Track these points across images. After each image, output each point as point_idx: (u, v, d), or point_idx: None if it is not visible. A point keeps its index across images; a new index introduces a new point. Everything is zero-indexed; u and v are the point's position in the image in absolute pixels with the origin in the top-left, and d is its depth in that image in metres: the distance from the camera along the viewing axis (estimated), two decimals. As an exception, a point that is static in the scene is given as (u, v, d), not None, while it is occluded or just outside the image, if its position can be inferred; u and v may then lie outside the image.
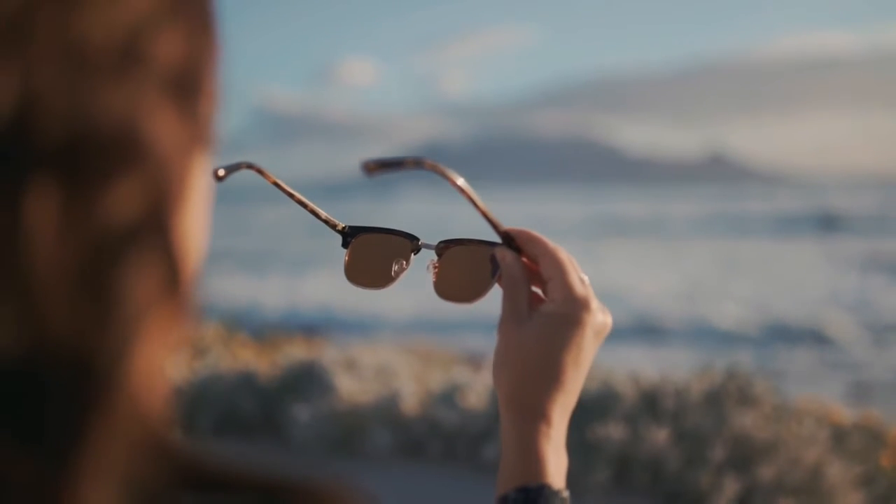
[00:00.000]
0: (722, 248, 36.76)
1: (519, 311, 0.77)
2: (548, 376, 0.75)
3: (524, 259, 0.81)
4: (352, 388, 5.40)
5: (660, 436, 4.76)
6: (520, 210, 72.44)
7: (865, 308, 18.65)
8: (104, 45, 0.34)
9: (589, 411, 5.07)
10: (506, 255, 0.80)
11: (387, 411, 5.28)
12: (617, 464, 4.83)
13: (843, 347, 13.90)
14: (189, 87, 0.38)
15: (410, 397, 5.33)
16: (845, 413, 5.85)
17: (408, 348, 7.37)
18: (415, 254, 0.86)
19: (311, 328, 12.43)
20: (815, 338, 14.64)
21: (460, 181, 0.72)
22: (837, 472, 4.64)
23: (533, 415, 0.75)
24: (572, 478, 4.78)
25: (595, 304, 0.77)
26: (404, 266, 0.84)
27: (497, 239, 0.82)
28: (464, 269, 0.84)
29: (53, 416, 0.32)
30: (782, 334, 15.15)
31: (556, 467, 0.74)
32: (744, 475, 4.61)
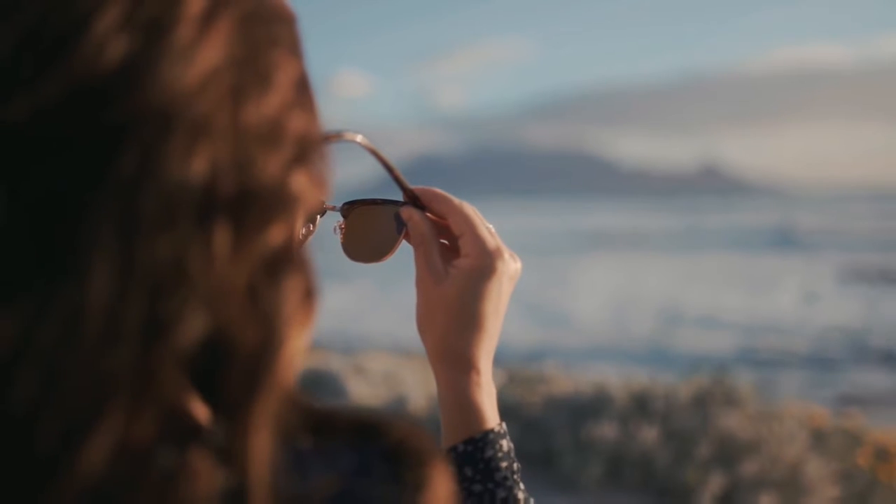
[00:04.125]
0: (714, 261, 36.80)
1: (435, 268, 0.80)
2: (472, 327, 0.78)
3: (429, 214, 0.82)
4: (362, 392, 5.72)
5: (650, 435, 5.05)
6: (514, 222, 72.02)
7: (857, 322, 18.71)
8: (258, 127, 0.45)
9: (583, 412, 5.37)
10: (412, 214, 0.81)
11: (395, 413, 5.58)
12: (610, 461, 5.11)
13: (834, 364, 13.71)
14: (311, 149, 0.49)
15: (417, 400, 5.65)
16: (827, 416, 6.03)
17: (409, 356, 7.69)
18: (320, 216, 0.83)
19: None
20: (804, 354, 14.46)
21: (359, 138, 0.73)
22: (816, 469, 4.91)
23: (463, 366, 0.78)
24: (568, 475, 5.06)
25: (507, 253, 0.81)
26: (311, 229, 0.81)
27: (401, 197, 0.83)
28: (370, 228, 0.84)
29: (231, 383, 0.44)
30: (772, 353, 14.98)
31: (490, 409, 0.79)
32: (728, 471, 4.90)
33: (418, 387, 5.86)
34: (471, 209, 0.81)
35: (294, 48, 0.50)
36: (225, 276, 0.43)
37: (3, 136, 0.40)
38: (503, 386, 6.22)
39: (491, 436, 0.76)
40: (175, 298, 0.42)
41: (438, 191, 0.82)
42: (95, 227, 0.40)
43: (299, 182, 0.47)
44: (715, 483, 4.81)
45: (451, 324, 0.78)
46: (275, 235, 0.45)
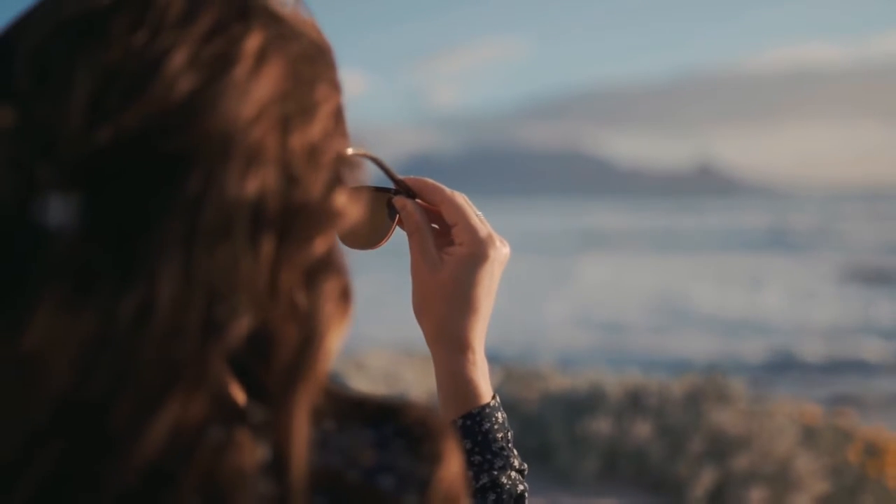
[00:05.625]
0: (709, 261, 36.79)
1: (430, 257, 0.84)
2: (467, 310, 0.83)
3: (419, 201, 0.85)
4: (363, 388, 5.83)
5: (644, 430, 5.17)
6: (510, 221, 71.95)
7: (852, 323, 18.67)
8: (303, 152, 0.50)
9: (579, 408, 5.48)
10: (406, 203, 0.84)
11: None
12: (605, 456, 5.23)
13: (829, 364, 13.48)
14: (348, 168, 0.55)
15: (417, 397, 5.76)
16: (819, 414, 6.10)
17: (410, 353, 7.81)
18: None
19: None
20: (799, 355, 14.27)
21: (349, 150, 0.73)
22: (805, 463, 5.01)
23: (460, 347, 0.83)
24: (564, 469, 5.17)
25: (497, 239, 0.84)
26: None
27: (392, 186, 0.85)
28: (364, 215, 0.95)
29: (275, 374, 0.49)
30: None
31: (485, 385, 0.84)
32: (720, 465, 5.01)
33: (418, 384, 5.98)
34: (461, 198, 0.84)
35: (333, 82, 0.55)
36: (272, 281, 0.48)
37: (90, 156, 0.46)
38: (501, 383, 6.34)
39: (487, 409, 0.82)
40: (229, 301, 0.47)
41: (430, 181, 0.85)
42: (164, 237, 0.46)
43: (340, 199, 0.52)
44: (707, 477, 4.91)
45: (447, 308, 0.82)
46: (319, 246, 0.51)
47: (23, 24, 0.51)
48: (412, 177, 0.85)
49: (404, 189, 0.84)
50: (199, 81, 0.47)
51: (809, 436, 5.49)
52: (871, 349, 14.75)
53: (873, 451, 5.41)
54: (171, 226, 0.46)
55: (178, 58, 0.47)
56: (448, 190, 0.85)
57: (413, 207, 0.84)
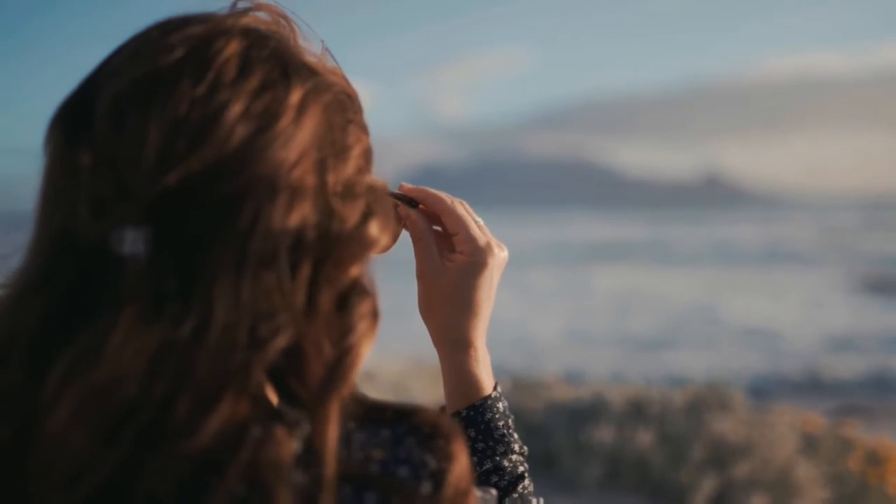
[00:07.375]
0: (717, 272, 36.59)
1: (434, 263, 0.89)
2: (469, 313, 0.88)
3: (422, 208, 0.90)
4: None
5: (646, 438, 5.23)
6: (516, 233, 71.74)
7: (858, 333, 18.61)
8: (336, 188, 0.57)
9: (582, 417, 5.57)
10: (409, 213, 0.89)
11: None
12: (608, 463, 5.30)
13: (834, 376, 13.35)
14: (378, 202, 0.60)
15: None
16: (820, 423, 6.12)
17: (420, 363, 7.90)
18: None
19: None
20: (805, 366, 14.13)
21: None
22: (806, 471, 5.07)
23: (462, 345, 0.88)
24: (568, 476, 5.23)
25: (495, 246, 0.90)
26: None
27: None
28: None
29: (311, 382, 0.55)
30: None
31: (487, 379, 0.89)
32: (721, 473, 5.07)
33: (426, 394, 6.08)
34: (461, 207, 0.90)
35: (361, 125, 0.63)
36: (309, 301, 0.55)
37: (160, 196, 0.53)
38: (508, 393, 6.43)
39: (489, 401, 0.88)
40: (271, 321, 0.54)
41: (431, 190, 0.90)
42: (218, 264, 0.53)
43: (373, 230, 0.59)
44: (708, 484, 4.96)
45: (450, 311, 0.88)
46: (354, 271, 0.58)
47: (102, 76, 0.58)
48: (414, 186, 0.91)
49: (406, 200, 0.89)
50: (251, 131, 0.54)
51: (810, 444, 5.53)
52: (882, 359, 14.68)
53: (875, 459, 5.43)
54: (225, 255, 0.53)
55: (234, 111, 0.54)
56: (448, 199, 0.90)
57: (416, 217, 0.89)
